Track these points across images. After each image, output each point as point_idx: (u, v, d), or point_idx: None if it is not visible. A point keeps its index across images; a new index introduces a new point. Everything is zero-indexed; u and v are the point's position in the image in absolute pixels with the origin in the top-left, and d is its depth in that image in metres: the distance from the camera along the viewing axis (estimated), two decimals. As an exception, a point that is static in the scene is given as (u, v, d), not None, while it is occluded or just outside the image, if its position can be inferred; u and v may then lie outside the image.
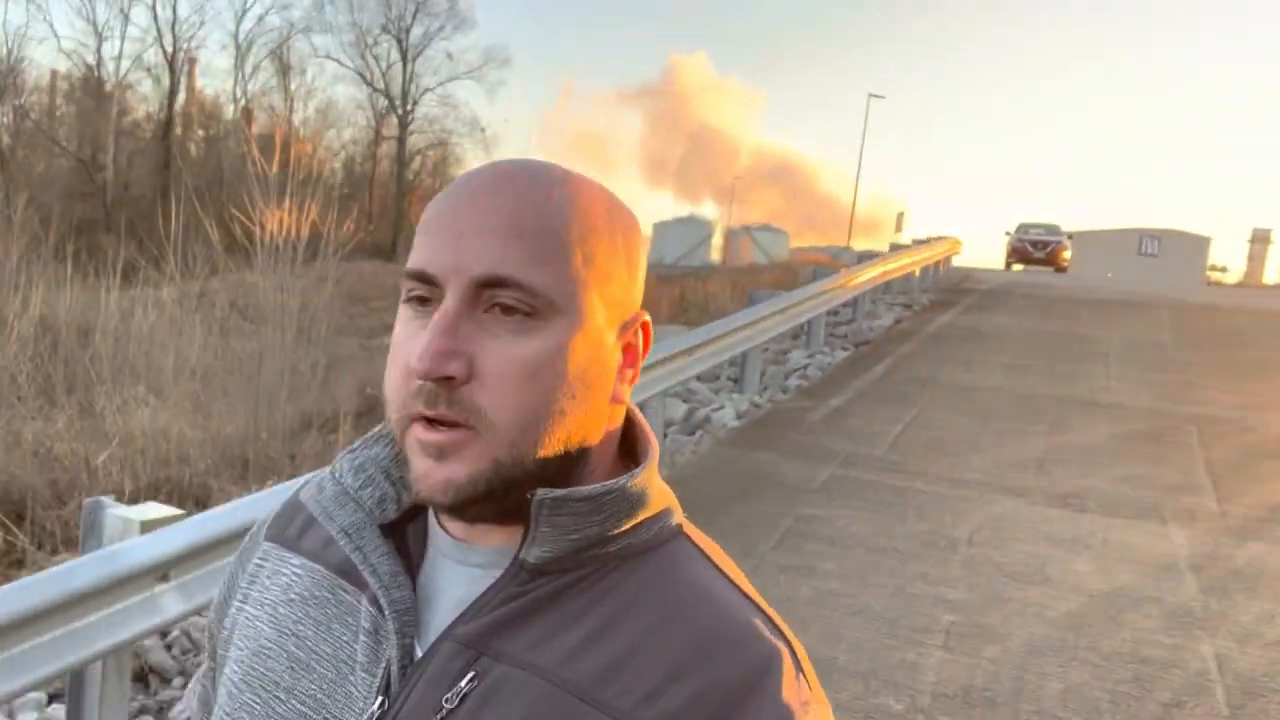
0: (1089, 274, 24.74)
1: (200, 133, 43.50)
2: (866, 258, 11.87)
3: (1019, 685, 3.21)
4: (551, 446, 0.57)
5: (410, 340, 0.57)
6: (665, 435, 6.11)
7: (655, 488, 0.62)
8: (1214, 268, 43.56)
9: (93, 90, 40.75)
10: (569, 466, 0.59)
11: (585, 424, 0.58)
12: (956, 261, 16.34)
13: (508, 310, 0.55)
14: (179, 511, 2.68)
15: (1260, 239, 45.89)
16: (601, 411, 0.59)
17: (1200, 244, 44.79)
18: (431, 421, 0.56)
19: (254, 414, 8.49)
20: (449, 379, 0.55)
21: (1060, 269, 23.94)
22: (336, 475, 0.65)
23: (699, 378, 6.92)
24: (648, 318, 0.62)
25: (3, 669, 2.05)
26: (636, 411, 0.65)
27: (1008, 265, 24.51)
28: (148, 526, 2.49)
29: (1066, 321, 10.52)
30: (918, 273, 12.60)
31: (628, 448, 0.65)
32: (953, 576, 4.05)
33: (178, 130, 40.84)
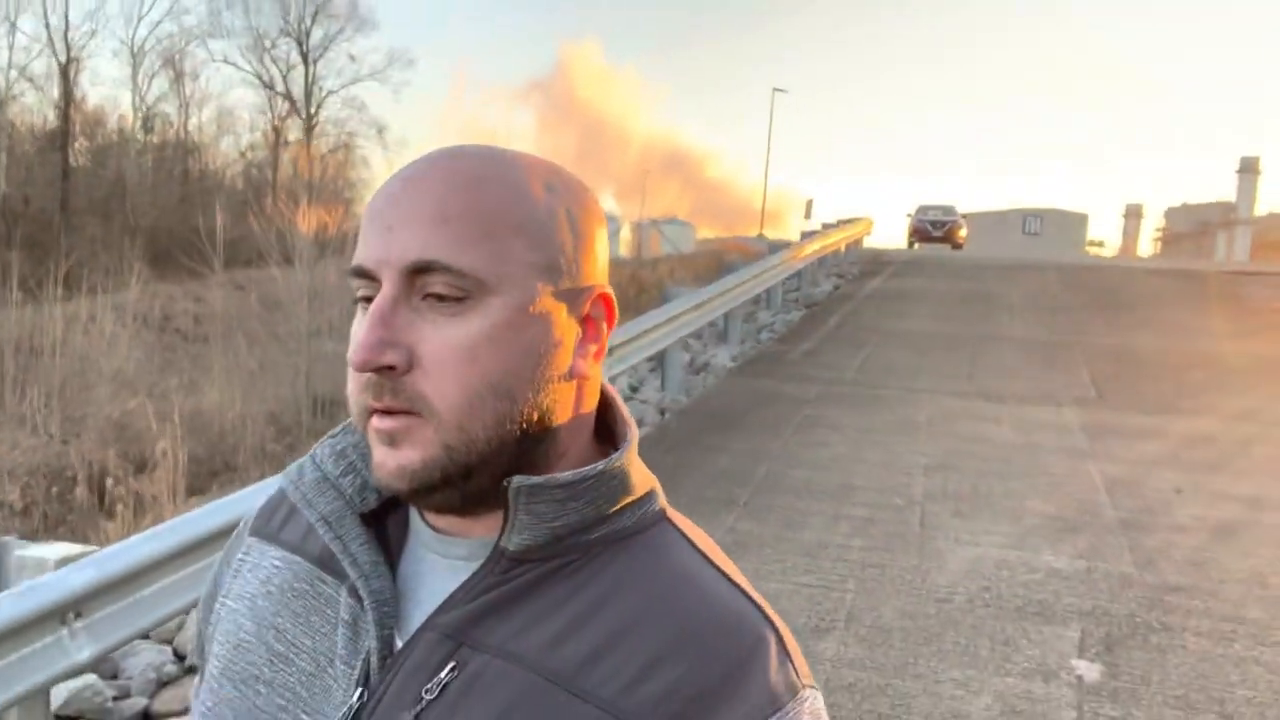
0: (980, 251, 27.46)
1: (84, 142, 42.69)
2: (779, 247, 13.70)
3: (976, 490, 5.02)
4: (503, 429, 0.57)
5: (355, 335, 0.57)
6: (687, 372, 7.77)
7: (637, 472, 0.62)
8: (1092, 243, 47.45)
9: (-23, 102, 39.69)
10: (531, 448, 0.59)
11: (541, 403, 0.58)
12: (864, 243, 18.47)
13: (440, 296, 0.56)
14: (90, 548, 2.66)
15: (1133, 214, 50.12)
16: (559, 389, 0.59)
17: (1079, 221, 48.72)
18: (382, 412, 0.57)
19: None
20: (390, 369, 0.56)
21: (957, 246, 26.47)
22: (317, 460, 0.65)
23: (692, 335, 8.60)
24: (608, 289, 0.62)
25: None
26: (614, 392, 0.65)
27: (910, 244, 26.95)
28: (60, 564, 2.47)
29: (974, 283, 12.67)
30: (844, 249, 14.60)
31: (606, 431, 0.65)
32: (920, 440, 5.87)
33: (74, 141, 40.19)
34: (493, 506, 0.59)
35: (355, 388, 0.58)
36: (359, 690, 0.59)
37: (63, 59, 39.85)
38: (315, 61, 44.76)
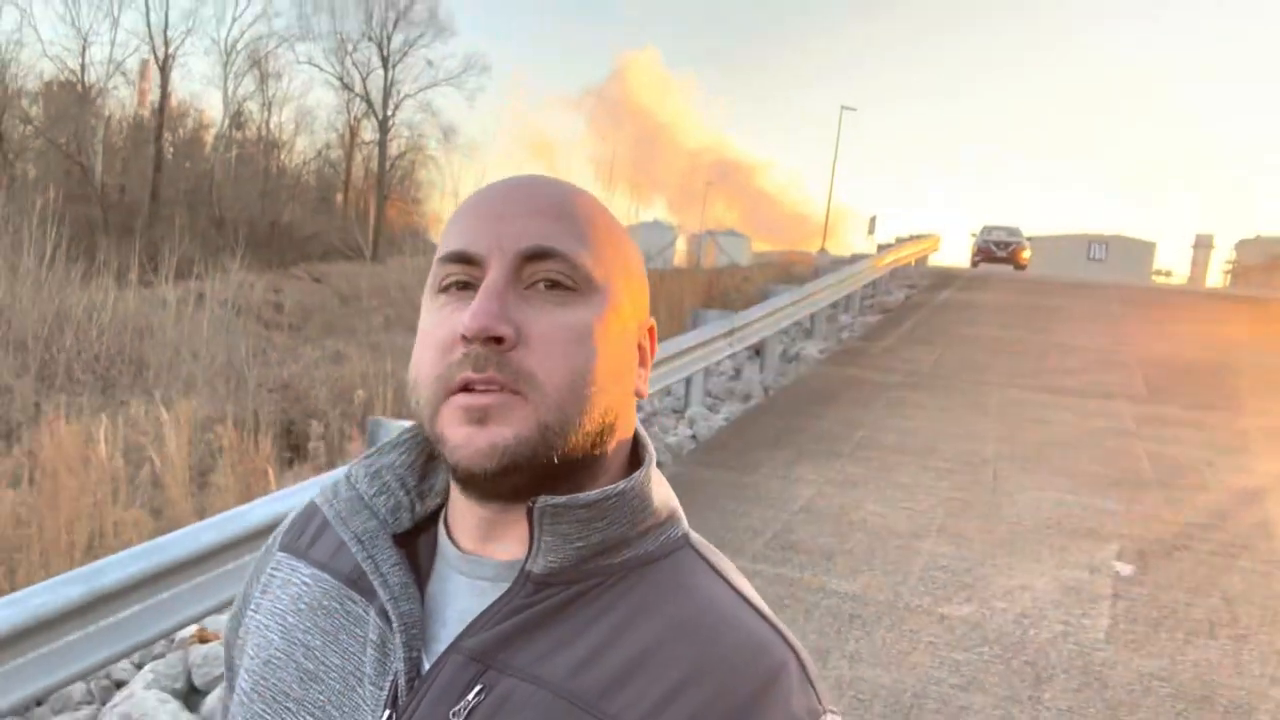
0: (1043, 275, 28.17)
1: (171, 136, 45.07)
2: (842, 261, 14.80)
3: (1039, 455, 6.15)
4: (593, 418, 0.60)
5: (447, 320, 0.59)
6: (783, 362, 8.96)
7: (658, 493, 0.64)
8: (1159, 272, 47.50)
9: (77, 95, 42.33)
10: (601, 448, 0.62)
11: (617, 406, 0.62)
12: (929, 261, 19.48)
13: (551, 285, 0.59)
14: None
15: (1203, 244, 49.97)
16: (629, 399, 0.63)
17: (1146, 249, 48.76)
18: (478, 386, 0.58)
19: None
20: (498, 340, 0.57)
21: (1020, 267, 27.28)
22: (352, 480, 0.67)
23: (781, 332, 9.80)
24: (653, 323, 0.67)
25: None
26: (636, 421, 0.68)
27: (973, 264, 27.82)
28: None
29: (1039, 297, 13.69)
30: (914, 262, 15.70)
31: (634, 456, 0.67)
32: (991, 419, 7.01)
33: (167, 135, 42.62)
34: (519, 523, 0.61)
35: (440, 363, 0.59)
36: (387, 712, 0.61)
37: (160, 56, 42.34)
38: (394, 65, 46.88)
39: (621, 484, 0.61)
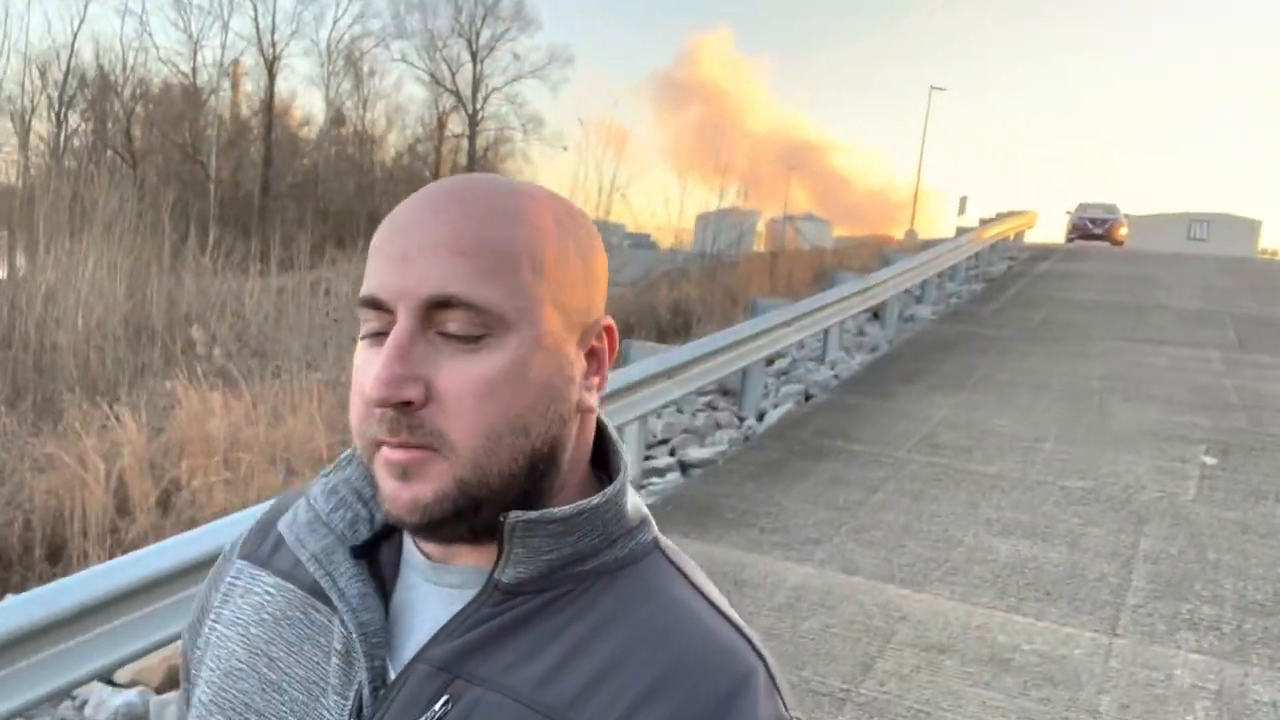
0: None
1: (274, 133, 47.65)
2: (931, 244, 15.78)
3: (1139, 388, 7.31)
4: (516, 463, 0.59)
5: (367, 367, 0.59)
6: (901, 320, 10.21)
7: (630, 504, 0.64)
8: (1265, 252, 46.74)
9: (191, 95, 45.27)
10: (538, 481, 0.61)
11: (551, 438, 0.60)
12: (1025, 238, 20.31)
13: (458, 330, 0.57)
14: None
15: (1312, 221, 48.98)
16: (568, 423, 0.61)
17: (1251, 227, 47.89)
18: (395, 444, 0.58)
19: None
20: (407, 404, 0.57)
21: (1117, 244, 27.72)
22: (310, 501, 0.67)
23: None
24: (610, 321, 0.64)
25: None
26: (607, 424, 0.68)
27: (1069, 240, 28.32)
28: None
29: (1135, 267, 14.59)
30: (1012, 236, 16.67)
31: (600, 461, 0.67)
32: (1094, 363, 8.19)
33: (275, 132, 45.36)
34: (487, 536, 0.60)
35: (362, 419, 0.59)
36: None
37: (267, 57, 45.06)
38: (482, 60, 48.90)
39: (596, 499, 0.61)
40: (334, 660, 0.63)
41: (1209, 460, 5.67)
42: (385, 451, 0.58)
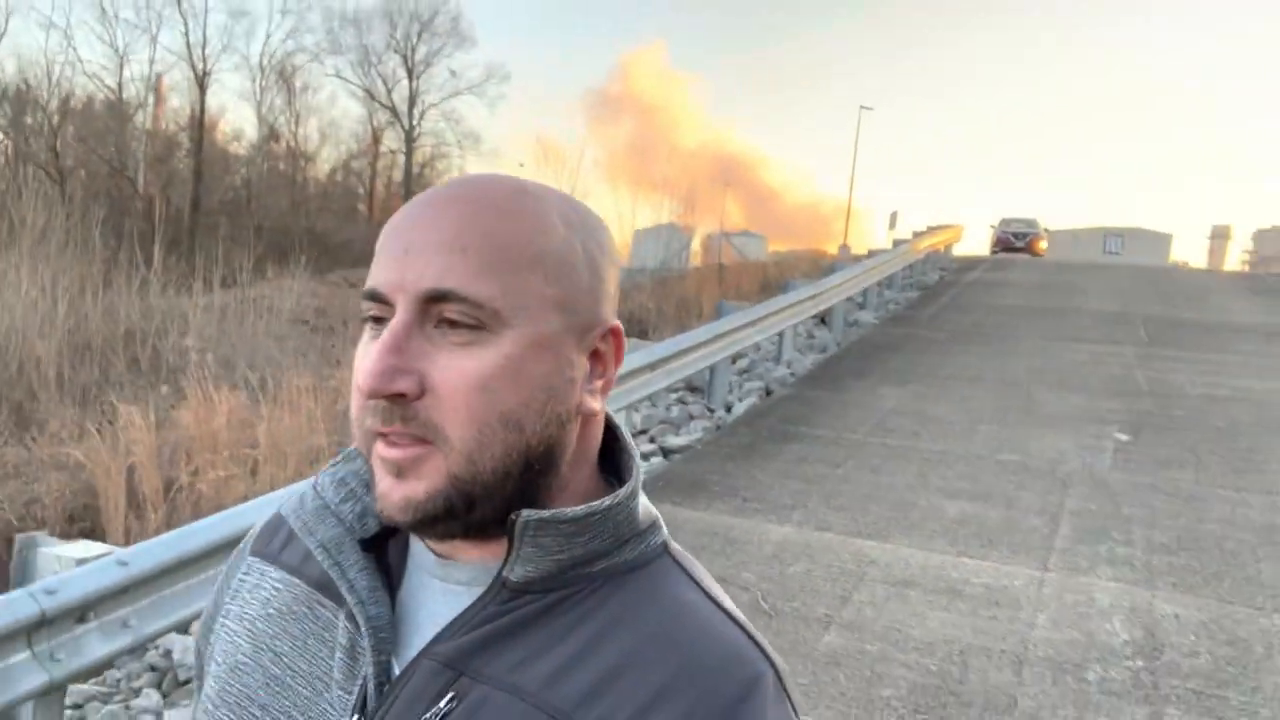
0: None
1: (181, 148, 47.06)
2: (865, 258, 16.73)
3: (1062, 379, 8.19)
4: (510, 460, 0.59)
5: (364, 359, 0.59)
6: (847, 324, 11.03)
7: (641, 507, 0.64)
8: (1177, 264, 49.30)
9: (117, 110, 44.60)
10: (534, 480, 0.61)
11: (548, 437, 0.60)
12: (953, 251, 21.53)
13: (455, 324, 0.57)
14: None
15: (1220, 235, 51.56)
16: (566, 424, 0.61)
17: (1163, 241, 50.41)
18: (390, 439, 0.58)
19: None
20: (400, 395, 0.57)
21: (1037, 255, 29.25)
22: (318, 489, 0.67)
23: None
24: (617, 323, 0.64)
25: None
26: (618, 425, 0.68)
27: (992, 253, 29.79)
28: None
29: (1058, 275, 15.75)
30: (943, 248, 17.74)
31: (610, 463, 0.67)
32: (1023, 358, 9.10)
33: (205, 148, 44.88)
34: (496, 534, 0.61)
35: (359, 410, 0.60)
36: (355, 718, 0.61)
37: (199, 72, 44.65)
38: (418, 76, 49.11)
39: (608, 500, 0.61)
40: (338, 655, 0.63)
41: (1122, 437, 6.52)
42: (380, 447, 0.59)
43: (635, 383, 5.89)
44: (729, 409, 7.42)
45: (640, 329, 13.19)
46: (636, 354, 6.14)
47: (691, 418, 7.18)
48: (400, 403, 0.57)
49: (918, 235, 16.24)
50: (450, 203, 0.60)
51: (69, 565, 2.64)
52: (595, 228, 0.64)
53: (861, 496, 5.26)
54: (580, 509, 0.60)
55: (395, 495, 0.59)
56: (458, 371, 0.57)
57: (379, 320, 0.60)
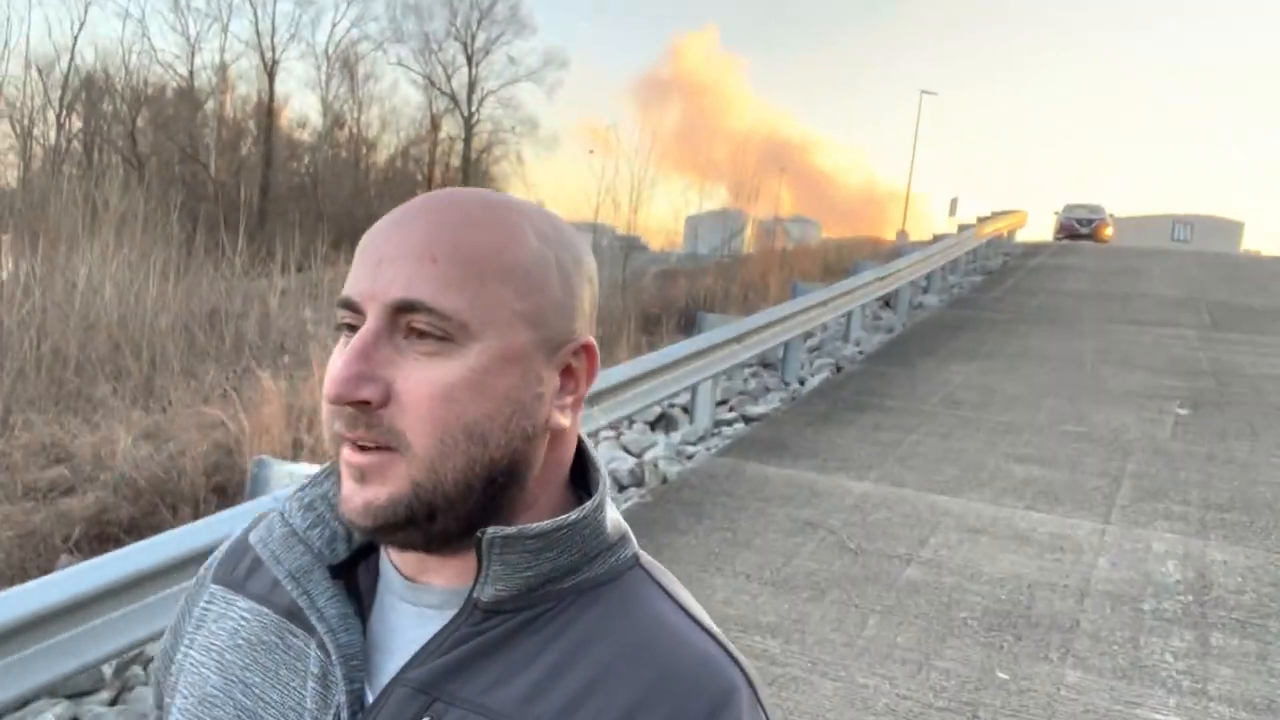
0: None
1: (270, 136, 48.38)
2: (921, 245, 16.99)
3: (1126, 359, 8.54)
4: (473, 472, 0.60)
5: (332, 365, 0.60)
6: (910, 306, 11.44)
7: (609, 520, 0.65)
8: (1249, 253, 48.43)
9: (188, 98, 46.07)
10: (499, 495, 0.61)
11: (513, 451, 0.61)
12: (1016, 237, 21.66)
13: (423, 335, 0.59)
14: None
15: (1294, 224, 50.74)
16: (533, 439, 0.62)
17: (1233, 229, 49.52)
18: (355, 444, 0.59)
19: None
20: (365, 402, 0.58)
21: (1102, 242, 29.14)
22: (285, 515, 0.67)
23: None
24: (590, 341, 0.64)
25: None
26: (586, 441, 0.68)
27: (1056, 239, 29.72)
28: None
29: (1122, 261, 15.90)
30: (1006, 234, 17.95)
31: (581, 478, 0.68)
32: (1087, 339, 9.44)
33: (278, 135, 46.23)
34: (459, 552, 0.62)
35: (329, 416, 0.60)
36: None
37: (267, 61, 45.96)
38: (478, 63, 49.94)
39: (573, 514, 0.62)
40: (311, 685, 0.63)
41: (1182, 411, 6.90)
42: (346, 452, 0.60)
43: (723, 353, 6.43)
44: (802, 383, 7.92)
45: (709, 310, 13.71)
46: (723, 329, 6.68)
47: (768, 389, 7.70)
48: (365, 409, 0.58)
49: (982, 220, 16.49)
50: (423, 214, 0.61)
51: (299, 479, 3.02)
52: (571, 243, 0.64)
53: (934, 459, 5.74)
54: (546, 524, 0.61)
55: (357, 500, 0.60)
56: (423, 381, 0.58)
57: (352, 328, 0.61)
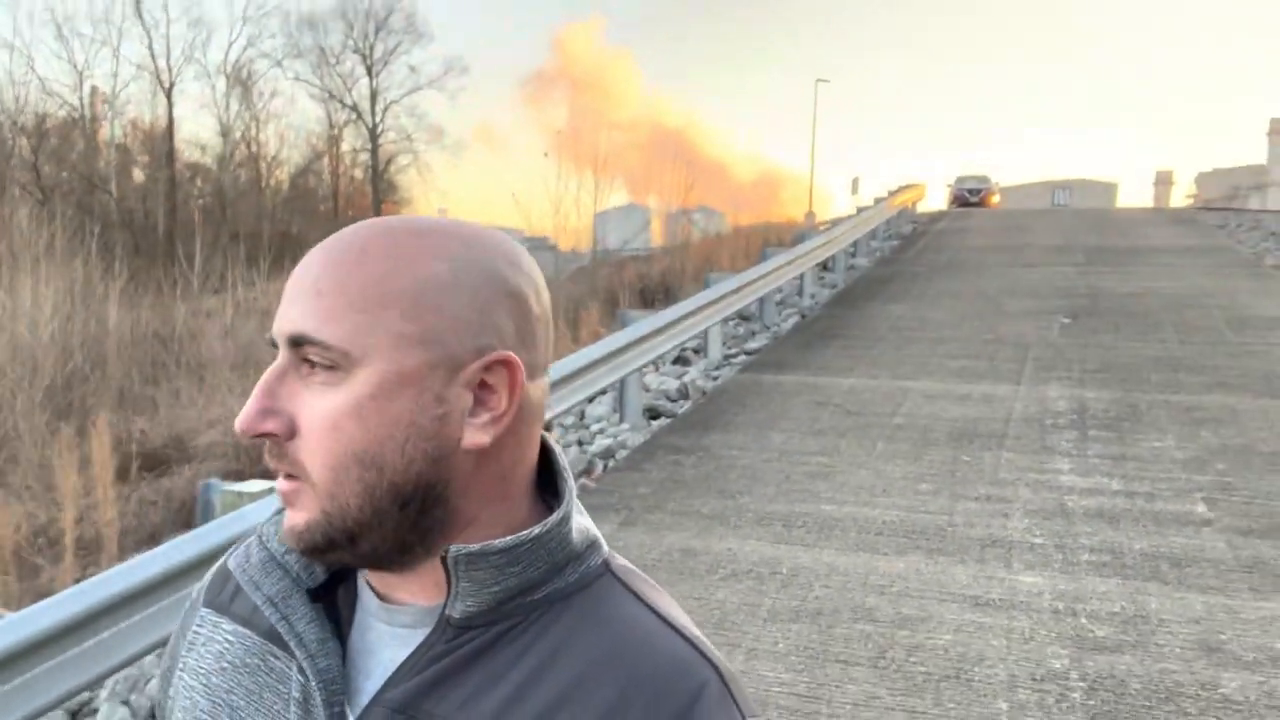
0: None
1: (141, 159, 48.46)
2: (834, 224, 19.54)
3: (1023, 291, 11.05)
4: (374, 497, 0.61)
5: None
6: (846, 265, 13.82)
7: (576, 529, 0.66)
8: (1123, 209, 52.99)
9: (83, 127, 46.03)
10: (421, 516, 0.63)
11: (416, 474, 0.62)
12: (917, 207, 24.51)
13: (314, 366, 0.61)
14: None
15: (1163, 180, 55.29)
16: (441, 460, 0.62)
17: (1109, 190, 54.19)
18: (278, 473, 0.63)
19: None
20: (273, 435, 0.62)
21: (991, 209, 32.42)
22: (263, 540, 0.70)
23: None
24: (508, 355, 0.63)
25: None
26: (555, 449, 0.70)
27: (950, 209, 32.88)
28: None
29: (1013, 220, 18.77)
30: (911, 205, 20.66)
31: (552, 485, 0.69)
32: (991, 280, 11.97)
33: (179, 157, 46.46)
34: (415, 568, 0.64)
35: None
36: None
37: (166, 83, 46.20)
38: (377, 74, 50.97)
39: (536, 529, 0.63)
40: (293, 708, 0.65)
41: (1065, 320, 9.38)
42: (278, 480, 0.64)
43: (722, 304, 8.58)
44: (779, 328, 10.15)
45: (666, 288, 15.87)
46: (708, 291, 8.82)
47: (754, 333, 9.90)
48: (276, 441, 0.62)
49: (891, 194, 19.08)
50: (321, 250, 0.64)
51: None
52: (484, 260, 0.64)
53: (893, 362, 8.02)
54: (509, 539, 0.63)
55: (286, 524, 0.64)
56: (316, 412, 0.61)
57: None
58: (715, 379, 8.02)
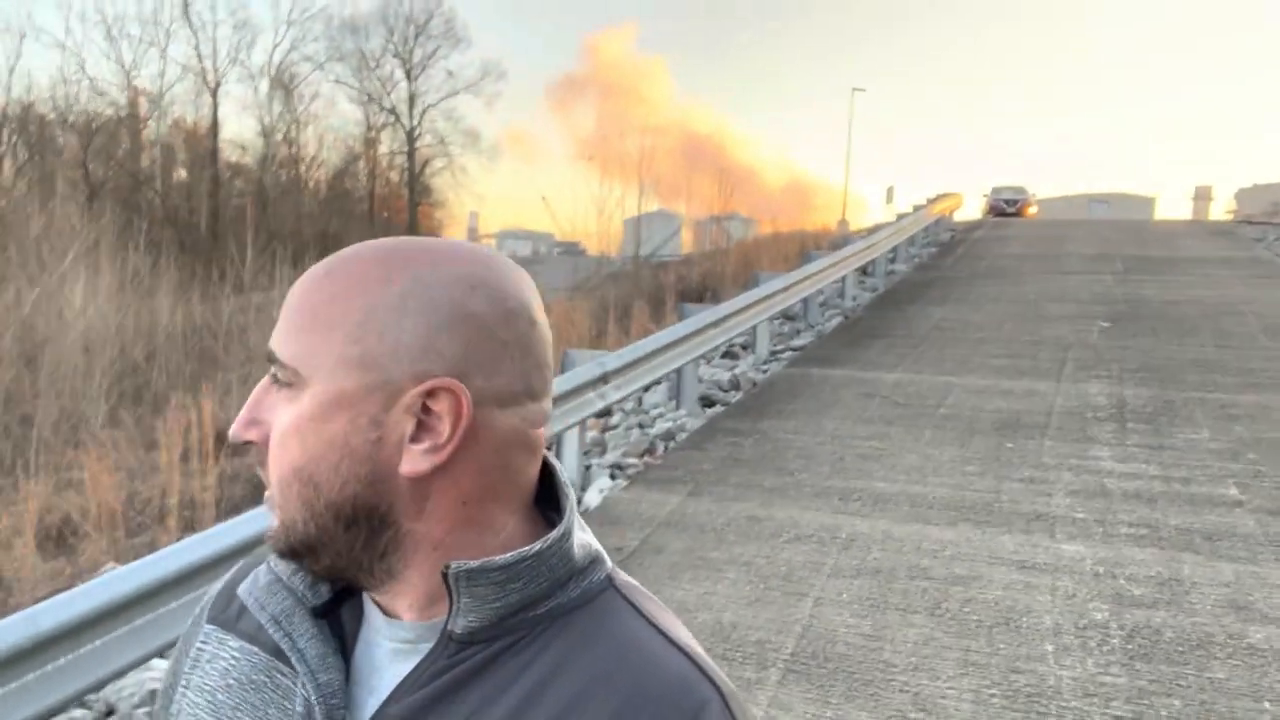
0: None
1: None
2: (867, 233, 19.82)
3: (1061, 296, 11.35)
4: (315, 514, 0.63)
5: None
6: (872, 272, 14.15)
7: (578, 544, 0.66)
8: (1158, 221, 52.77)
9: (130, 126, 47.19)
10: (371, 536, 0.64)
11: (352, 495, 0.63)
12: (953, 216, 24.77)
13: (277, 382, 0.65)
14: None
15: (1202, 196, 54.90)
16: (378, 484, 0.63)
17: (1147, 204, 54.06)
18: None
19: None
20: (251, 443, 0.65)
21: (1029, 219, 32.54)
22: (270, 563, 0.72)
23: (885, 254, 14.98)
24: (454, 384, 0.62)
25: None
26: (555, 465, 0.70)
27: (985, 218, 33.05)
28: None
29: (1050, 230, 18.98)
30: (949, 214, 20.94)
31: (554, 501, 0.69)
32: (1030, 286, 12.27)
33: (221, 157, 47.52)
34: (395, 585, 0.65)
35: None
36: None
37: (211, 84, 47.28)
38: (416, 78, 51.83)
39: (536, 545, 0.64)
40: None
41: (1104, 324, 9.68)
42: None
43: (770, 301, 8.97)
44: (823, 327, 10.52)
45: (710, 288, 16.30)
46: (758, 289, 9.21)
47: (799, 332, 10.28)
48: (258, 449, 0.66)
49: (930, 202, 19.38)
50: (313, 272, 0.66)
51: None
52: (442, 285, 0.63)
53: (937, 360, 8.37)
54: (509, 556, 0.63)
55: (269, 527, 0.67)
56: (276, 426, 0.64)
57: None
58: (764, 372, 8.40)
